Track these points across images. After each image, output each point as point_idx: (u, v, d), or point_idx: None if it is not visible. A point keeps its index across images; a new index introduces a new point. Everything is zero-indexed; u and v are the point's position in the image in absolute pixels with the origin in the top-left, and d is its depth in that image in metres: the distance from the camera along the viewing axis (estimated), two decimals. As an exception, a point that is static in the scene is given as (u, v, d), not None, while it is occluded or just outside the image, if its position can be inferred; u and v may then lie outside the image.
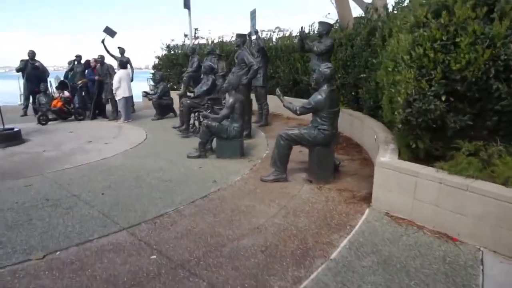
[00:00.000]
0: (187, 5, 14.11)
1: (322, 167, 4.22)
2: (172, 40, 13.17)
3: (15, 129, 6.48)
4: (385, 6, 5.16)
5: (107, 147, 6.07)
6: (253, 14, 7.65)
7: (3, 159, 5.37)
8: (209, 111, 6.34)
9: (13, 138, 6.36)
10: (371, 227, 3.09)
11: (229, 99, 5.15)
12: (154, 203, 3.59)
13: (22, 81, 10.35)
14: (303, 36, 5.79)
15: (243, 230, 3.04)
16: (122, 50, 10.15)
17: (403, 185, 3.21)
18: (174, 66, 12.39)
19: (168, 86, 9.98)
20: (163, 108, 9.06)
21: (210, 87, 6.71)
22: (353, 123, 6.36)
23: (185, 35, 19.23)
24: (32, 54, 9.78)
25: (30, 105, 9.86)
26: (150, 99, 9.06)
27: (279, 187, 4.08)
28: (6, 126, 6.50)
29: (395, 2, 5.11)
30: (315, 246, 2.79)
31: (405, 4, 4.98)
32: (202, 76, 9.12)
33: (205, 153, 5.31)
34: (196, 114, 6.86)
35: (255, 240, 2.86)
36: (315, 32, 6.76)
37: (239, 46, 6.41)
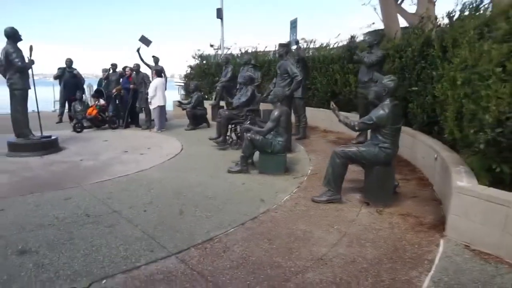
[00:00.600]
0: (220, 15, 14.11)
1: (381, 189, 3.83)
2: (198, 50, 13.10)
3: (53, 137, 6.42)
4: (449, 15, 4.77)
5: (144, 158, 5.88)
6: (293, 24, 7.39)
7: (41, 168, 5.25)
8: (248, 122, 6.08)
9: (51, 146, 6.28)
10: (453, 263, 2.67)
11: (274, 112, 4.85)
12: (200, 224, 3.30)
13: (57, 88, 10.48)
14: (353, 46, 5.45)
15: (305, 261, 2.68)
16: (156, 59, 10.09)
17: (489, 215, 2.78)
18: (206, 75, 12.29)
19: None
20: (197, 119, 8.89)
21: (250, 98, 6.44)
22: (402, 139, 5.86)
23: (211, 45, 19.03)
24: (69, 62, 9.87)
25: (65, 112, 9.94)
26: (184, 109, 8.91)
27: (334, 209, 3.71)
28: (44, 134, 6.45)
29: (460, 10, 4.69)
30: (392, 284, 2.40)
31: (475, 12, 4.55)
32: (238, 86, 8.93)
33: (247, 168, 5.01)
34: (234, 126, 6.60)
35: (321, 274, 2.50)
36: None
37: (281, 56, 6.14)
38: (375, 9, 7.65)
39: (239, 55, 11.87)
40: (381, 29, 7.46)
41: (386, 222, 3.39)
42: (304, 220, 3.42)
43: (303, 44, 10.83)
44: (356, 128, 3.76)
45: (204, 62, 12.59)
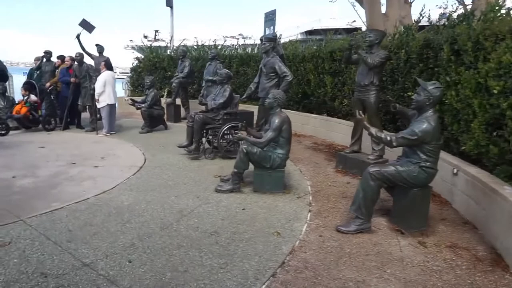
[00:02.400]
0: (169, 3, 12.84)
1: (416, 214, 3.26)
2: (131, 41, 11.84)
3: (-31, 146, 4.88)
4: (465, 16, 4.37)
5: (100, 173, 4.68)
6: (270, 16, 6.62)
7: (-44, 192, 3.83)
8: (227, 127, 5.20)
9: (-33, 157, 4.76)
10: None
11: (274, 119, 4.05)
12: (217, 280, 2.39)
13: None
14: (356, 45, 4.84)
15: (387, 337, 1.96)
16: (100, 49, 8.61)
17: None
18: (156, 70, 10.96)
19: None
20: (153, 119, 7.68)
21: (228, 99, 5.54)
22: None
23: (145, 37, 17.44)
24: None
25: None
26: (138, 108, 7.64)
27: (370, 242, 3.04)
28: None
29: (483, 11, 4.30)
30: None
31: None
32: (204, 84, 7.93)
33: (239, 186, 4.15)
34: (207, 131, 5.63)
35: None
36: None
37: (267, 52, 5.32)
38: (354, 6, 7.21)
39: (195, 47, 10.81)
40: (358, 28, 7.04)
41: (439, 259, 2.80)
42: (346, 263, 2.69)
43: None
44: (394, 144, 3.11)
45: (154, 54, 11.23)
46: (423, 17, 5.68)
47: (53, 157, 5.31)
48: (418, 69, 5.17)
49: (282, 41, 13.59)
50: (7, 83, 8.69)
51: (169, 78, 10.45)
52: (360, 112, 3.40)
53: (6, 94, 7.60)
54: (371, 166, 3.25)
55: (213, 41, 10.72)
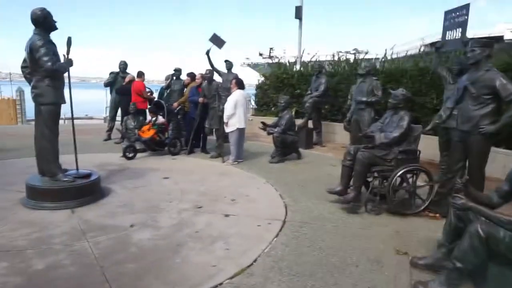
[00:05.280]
0: (299, 14, 11.73)
1: None
2: (247, 58, 10.87)
3: (92, 178, 4.22)
4: None
5: (232, 229, 3.46)
6: (456, 14, 4.69)
7: (63, 249, 2.98)
8: (414, 173, 3.49)
9: (88, 192, 4.09)
10: None
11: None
12: None
13: (110, 97, 8.52)
14: None
15: None
16: (230, 65, 7.82)
17: None
18: (283, 87, 9.86)
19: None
20: (286, 147, 6.41)
21: (405, 132, 3.85)
22: None
23: (260, 54, 16.71)
24: (124, 66, 7.92)
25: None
26: (270, 133, 6.47)
27: None
28: (80, 170, 4.28)
29: None
30: None
31: None
32: (353, 107, 6.38)
33: (460, 289, 2.41)
34: (376, 175, 4.00)
35: None
36: None
37: (478, 63, 3.42)
38: None
39: (331, 62, 9.41)
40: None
41: None
42: None
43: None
44: None
45: (282, 70, 10.19)
46: None
47: (177, 195, 4.38)
48: None
49: (402, 54, 11.32)
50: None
51: (298, 97, 9.23)
52: None
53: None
54: None
55: (353, 52, 9.12)
